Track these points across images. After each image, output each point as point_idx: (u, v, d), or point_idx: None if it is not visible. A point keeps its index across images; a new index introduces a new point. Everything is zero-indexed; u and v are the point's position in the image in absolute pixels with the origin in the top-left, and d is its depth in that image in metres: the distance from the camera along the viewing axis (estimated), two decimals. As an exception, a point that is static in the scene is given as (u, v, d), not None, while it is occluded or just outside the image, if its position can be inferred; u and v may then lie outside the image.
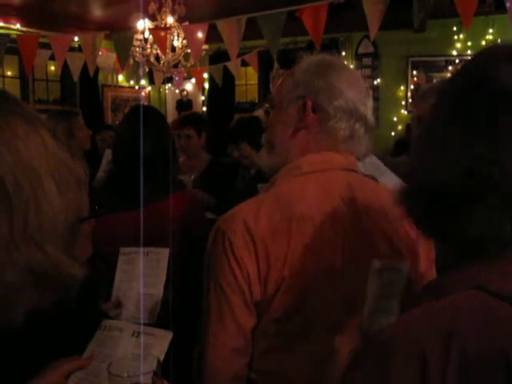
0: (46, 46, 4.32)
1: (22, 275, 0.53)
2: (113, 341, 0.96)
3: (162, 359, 0.91)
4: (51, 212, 0.54)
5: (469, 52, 5.49)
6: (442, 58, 5.72)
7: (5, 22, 5.28)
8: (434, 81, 5.60)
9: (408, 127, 5.49)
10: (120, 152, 1.92)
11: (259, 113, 4.19)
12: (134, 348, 0.94)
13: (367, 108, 1.20)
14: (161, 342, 0.94)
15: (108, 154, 2.78)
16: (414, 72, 5.95)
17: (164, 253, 1.49)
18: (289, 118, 1.18)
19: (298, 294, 1.06)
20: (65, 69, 4.42)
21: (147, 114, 1.90)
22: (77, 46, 4.70)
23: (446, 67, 5.69)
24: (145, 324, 1.28)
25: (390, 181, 1.75)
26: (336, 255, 1.08)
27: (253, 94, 7.18)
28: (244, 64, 4.80)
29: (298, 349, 1.07)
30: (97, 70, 4.58)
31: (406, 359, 0.60)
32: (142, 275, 1.47)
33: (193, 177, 3.20)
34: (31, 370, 0.92)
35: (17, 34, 4.56)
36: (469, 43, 5.49)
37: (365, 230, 1.11)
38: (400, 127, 5.85)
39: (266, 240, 1.04)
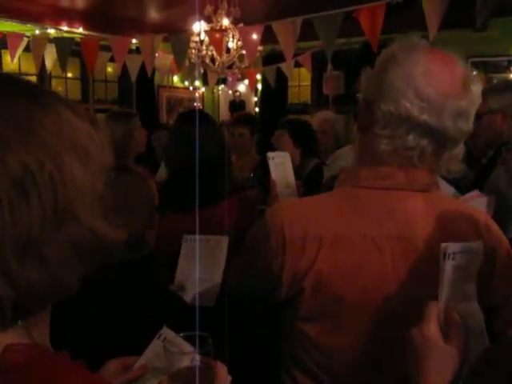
0: (106, 48, 4.49)
1: (64, 250, 0.56)
2: (170, 360, 0.90)
3: None
4: (78, 183, 0.56)
5: (534, 52, 5.25)
6: (504, 58, 5.50)
7: (69, 27, 5.51)
8: (495, 81, 5.39)
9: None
10: (172, 159, 1.95)
11: None
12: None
13: (445, 119, 0.93)
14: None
15: None
16: (474, 73, 5.73)
17: (224, 240, 1.55)
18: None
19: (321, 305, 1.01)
20: (122, 70, 4.57)
21: (199, 119, 1.92)
22: (135, 48, 4.84)
23: (508, 67, 5.47)
24: (204, 307, 1.31)
25: (443, 189, 1.66)
26: (376, 281, 0.98)
27: (305, 96, 7.16)
28: (297, 65, 4.79)
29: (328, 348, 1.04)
30: (153, 71, 4.70)
31: None
32: (202, 261, 1.54)
33: (252, 174, 3.29)
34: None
35: (80, 38, 4.75)
36: (534, 42, 5.26)
37: (417, 258, 0.98)
38: (457, 129, 5.66)
39: (297, 249, 0.99)
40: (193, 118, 1.93)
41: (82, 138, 0.59)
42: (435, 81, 0.94)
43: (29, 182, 0.52)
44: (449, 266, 0.82)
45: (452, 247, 0.82)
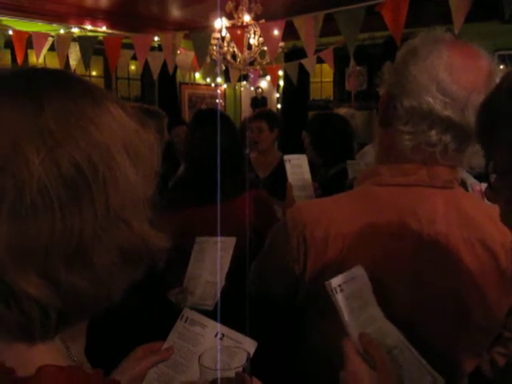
0: (129, 46, 4.52)
1: (113, 256, 0.53)
2: (194, 337, 0.95)
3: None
4: (130, 186, 0.53)
5: None
6: (533, 51, 5.35)
7: (92, 26, 5.57)
8: (523, 75, 5.25)
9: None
10: (190, 156, 1.99)
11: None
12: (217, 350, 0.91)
13: (469, 114, 0.90)
14: (244, 351, 0.87)
15: None
16: (501, 67, 5.58)
17: (230, 241, 1.55)
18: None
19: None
20: (145, 67, 4.60)
21: (213, 119, 1.95)
22: (156, 45, 4.87)
23: (537, 61, 5.31)
24: (204, 310, 1.33)
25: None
26: (398, 278, 0.96)
27: (328, 92, 7.10)
28: (319, 61, 4.74)
29: None
30: (175, 69, 4.72)
31: None
32: (210, 264, 1.55)
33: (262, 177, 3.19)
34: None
35: (103, 36, 4.80)
36: None
37: (439, 254, 0.96)
38: (484, 125, 5.53)
39: (319, 248, 0.98)
40: (206, 117, 1.96)
41: (132, 137, 0.56)
42: (459, 75, 0.92)
43: (81, 183, 0.49)
44: (341, 299, 0.85)
45: (335, 281, 0.86)
